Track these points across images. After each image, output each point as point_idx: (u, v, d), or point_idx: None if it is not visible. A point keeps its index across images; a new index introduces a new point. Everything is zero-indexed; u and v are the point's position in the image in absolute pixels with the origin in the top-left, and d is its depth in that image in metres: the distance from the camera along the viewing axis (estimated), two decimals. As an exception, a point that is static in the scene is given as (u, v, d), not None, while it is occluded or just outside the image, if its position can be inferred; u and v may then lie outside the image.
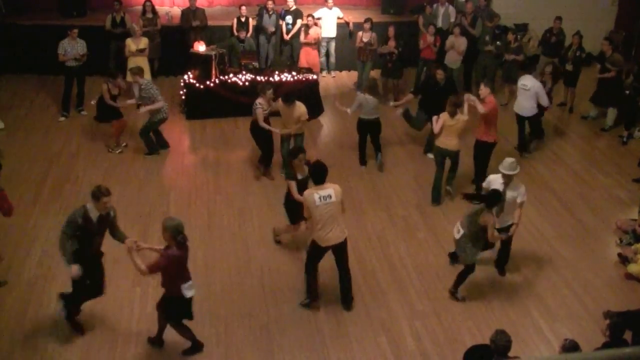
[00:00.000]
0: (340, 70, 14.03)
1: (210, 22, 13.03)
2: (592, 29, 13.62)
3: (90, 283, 6.46)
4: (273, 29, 12.98)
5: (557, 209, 9.32)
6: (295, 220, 7.78)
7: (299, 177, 7.49)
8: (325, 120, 11.81)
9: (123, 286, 7.31)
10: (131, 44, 11.56)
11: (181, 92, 11.60)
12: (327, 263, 7.22)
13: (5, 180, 9.20)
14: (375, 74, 12.45)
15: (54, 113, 11.59)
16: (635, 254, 8.05)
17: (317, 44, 12.85)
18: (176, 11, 13.52)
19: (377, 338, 6.87)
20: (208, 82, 11.28)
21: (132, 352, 6.60)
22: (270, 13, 12.91)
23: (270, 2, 12.83)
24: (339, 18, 13.43)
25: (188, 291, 6.09)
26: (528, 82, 10.13)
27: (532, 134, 10.77)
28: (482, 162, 9.29)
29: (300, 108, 9.23)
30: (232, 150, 10.60)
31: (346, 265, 7.09)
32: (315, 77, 11.91)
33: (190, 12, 12.81)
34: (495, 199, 6.93)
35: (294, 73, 11.68)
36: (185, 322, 6.44)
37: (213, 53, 11.34)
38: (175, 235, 5.86)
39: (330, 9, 13.17)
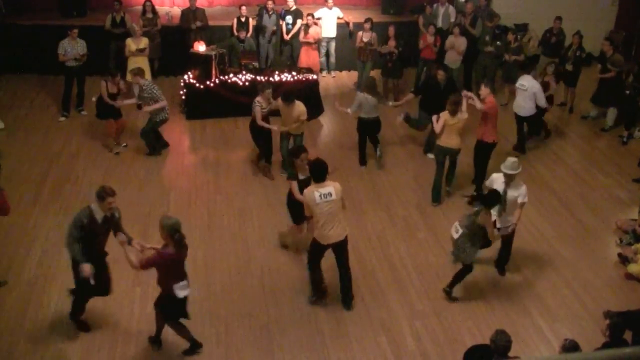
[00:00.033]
0: (341, 70, 14.03)
1: (210, 22, 13.03)
2: (592, 29, 13.61)
3: (97, 283, 6.48)
4: (274, 28, 12.98)
5: (557, 209, 9.33)
6: (298, 221, 7.77)
7: (301, 177, 7.47)
8: (325, 120, 11.81)
9: (123, 286, 7.30)
10: (131, 44, 11.56)
11: (181, 92, 11.61)
12: (327, 262, 7.22)
13: (5, 180, 9.21)
14: (375, 74, 12.45)
15: (54, 113, 11.59)
16: (635, 254, 8.05)
17: (317, 43, 12.85)
18: (176, 11, 13.52)
19: (377, 338, 6.87)
20: (208, 82, 11.28)
21: (133, 351, 6.60)
22: (270, 13, 12.91)
23: (270, 2, 12.83)
24: (339, 18, 13.43)
25: (180, 291, 6.06)
26: (526, 82, 10.13)
27: (529, 132, 10.76)
28: (482, 162, 9.30)
29: (299, 107, 9.25)
30: (232, 150, 10.60)
31: (346, 263, 7.09)
32: (315, 77, 11.91)
33: (190, 12, 12.81)
34: (493, 199, 6.92)
35: (294, 73, 11.68)
36: (185, 322, 6.44)
37: (213, 53, 11.34)
38: (172, 233, 5.87)
39: (330, 9, 13.17)
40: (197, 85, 11.29)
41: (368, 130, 9.98)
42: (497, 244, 7.81)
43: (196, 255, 7.98)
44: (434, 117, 9.02)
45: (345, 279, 7.18)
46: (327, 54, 13.61)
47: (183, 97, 11.60)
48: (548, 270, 8.03)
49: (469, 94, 9.17)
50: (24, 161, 9.98)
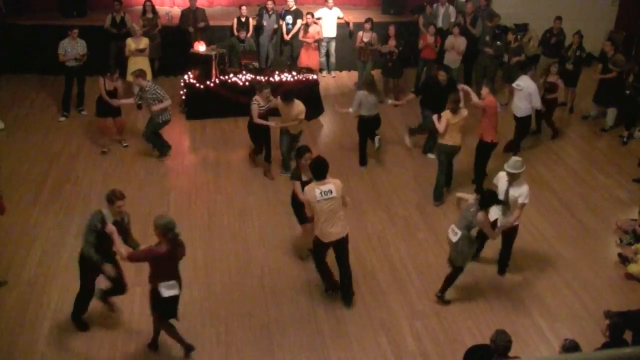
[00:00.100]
0: (341, 70, 14.03)
1: (210, 22, 13.03)
2: (592, 29, 13.61)
3: (113, 283, 6.63)
4: (275, 26, 12.98)
5: (557, 209, 9.33)
6: (304, 220, 7.76)
7: (304, 178, 7.39)
8: (325, 120, 11.81)
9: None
10: (131, 44, 11.56)
11: (181, 92, 11.60)
12: (327, 260, 7.22)
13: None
14: (375, 73, 12.45)
15: (54, 113, 11.59)
16: (635, 254, 8.05)
17: (317, 43, 12.84)
18: (176, 11, 13.52)
19: (377, 338, 6.87)
20: (208, 82, 11.28)
21: (133, 351, 6.60)
22: (270, 13, 12.91)
23: (270, 2, 12.83)
24: (339, 18, 13.42)
25: (165, 290, 6.04)
26: (522, 83, 10.12)
27: (516, 133, 10.65)
28: (481, 162, 9.31)
29: (298, 106, 9.29)
30: (232, 150, 10.60)
31: (347, 262, 7.11)
32: (315, 77, 11.91)
33: (190, 12, 12.81)
34: (488, 199, 6.89)
35: (294, 73, 11.68)
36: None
37: (213, 53, 11.34)
38: (165, 232, 5.88)
39: (331, 9, 13.17)
40: (197, 85, 11.29)
41: (369, 128, 9.99)
42: (497, 244, 7.82)
43: (196, 255, 7.98)
44: (435, 117, 9.03)
45: (345, 277, 7.20)
46: (327, 54, 13.60)
47: (183, 97, 11.60)
48: (548, 270, 8.03)
49: (466, 87, 9.26)
50: (24, 161, 9.98)
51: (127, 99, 10.27)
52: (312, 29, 12.60)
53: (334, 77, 13.82)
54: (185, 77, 11.44)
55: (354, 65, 13.33)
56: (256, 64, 11.99)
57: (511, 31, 12.63)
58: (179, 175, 9.94)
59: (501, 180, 7.47)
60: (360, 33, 12.47)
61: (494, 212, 7.30)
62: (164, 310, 6.25)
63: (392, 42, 12.26)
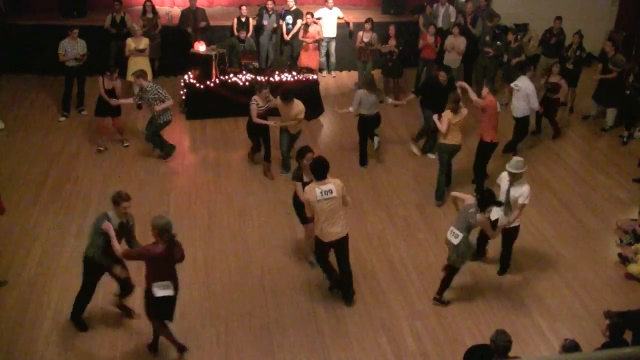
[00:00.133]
0: (341, 70, 14.02)
1: (210, 22, 13.02)
2: (592, 29, 13.61)
3: (121, 284, 6.69)
4: (275, 25, 12.97)
5: (557, 209, 9.33)
6: (305, 220, 7.75)
7: (306, 179, 7.36)
8: (325, 120, 11.81)
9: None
10: (131, 44, 11.55)
11: (181, 92, 11.60)
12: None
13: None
14: (375, 73, 12.45)
15: (54, 113, 11.59)
16: (635, 254, 8.05)
17: (317, 43, 12.84)
18: (176, 11, 13.51)
19: (377, 338, 6.87)
20: (208, 82, 11.28)
21: (133, 350, 6.60)
22: (270, 13, 12.90)
23: (270, 2, 12.83)
24: (339, 18, 13.42)
25: (159, 290, 6.04)
26: (520, 83, 10.11)
27: (515, 134, 10.65)
28: (480, 162, 9.31)
29: (298, 106, 9.31)
30: (232, 150, 10.60)
31: (347, 261, 7.12)
32: (315, 77, 11.91)
33: (190, 12, 12.80)
34: (486, 200, 6.89)
35: (294, 73, 11.68)
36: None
37: (213, 53, 11.34)
38: (162, 233, 5.89)
39: (331, 9, 13.17)
40: (197, 85, 11.29)
41: (369, 127, 10.00)
42: (498, 245, 7.82)
43: (196, 255, 7.98)
44: (435, 117, 9.03)
45: (345, 276, 7.21)
46: (327, 54, 13.60)
47: (183, 97, 11.60)
48: (548, 270, 8.03)
49: (464, 84, 9.29)
50: (24, 161, 9.98)
51: (126, 99, 10.24)
52: (312, 29, 12.60)
53: (334, 77, 13.81)
54: (185, 77, 11.44)
55: (354, 65, 13.32)
56: (256, 64, 11.99)
57: (511, 31, 12.62)
58: (179, 175, 9.94)
59: (503, 180, 7.49)
60: (361, 33, 12.47)
61: (495, 212, 7.30)
62: (157, 311, 6.24)
63: (392, 42, 12.26)
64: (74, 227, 8.43)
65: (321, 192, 6.68)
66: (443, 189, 9.19)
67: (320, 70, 13.46)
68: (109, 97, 9.94)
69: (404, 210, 9.13)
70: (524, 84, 10.04)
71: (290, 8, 13.00)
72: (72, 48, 11.02)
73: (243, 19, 12.72)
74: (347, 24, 13.64)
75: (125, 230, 6.45)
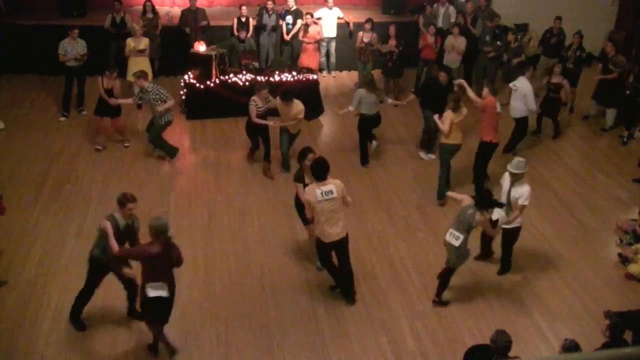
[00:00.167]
0: (341, 70, 14.02)
1: (210, 22, 13.02)
2: (592, 29, 13.61)
3: (125, 284, 6.73)
4: (274, 23, 12.96)
5: (557, 209, 9.33)
6: (307, 222, 7.74)
7: (307, 181, 7.32)
8: (326, 120, 11.81)
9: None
10: (132, 44, 11.55)
11: (181, 92, 11.60)
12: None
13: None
14: (376, 74, 12.45)
15: (54, 113, 11.59)
16: (635, 254, 8.04)
17: (317, 43, 12.84)
18: (176, 11, 13.51)
19: (377, 338, 6.87)
20: (208, 82, 11.28)
21: (133, 350, 6.60)
22: (270, 13, 12.90)
23: (270, 2, 12.83)
24: (339, 18, 13.42)
25: (152, 290, 6.02)
26: (518, 83, 10.10)
27: (513, 134, 10.61)
28: (479, 163, 9.30)
29: (297, 106, 9.33)
30: (232, 150, 10.60)
31: (348, 261, 7.13)
32: (315, 77, 11.91)
33: (190, 12, 12.80)
34: (483, 199, 6.88)
35: (294, 73, 11.68)
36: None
37: (213, 53, 11.34)
38: (157, 234, 5.89)
39: (331, 9, 13.17)
40: (197, 85, 11.29)
41: (370, 127, 10.00)
42: (498, 245, 7.82)
43: (196, 255, 7.99)
44: (436, 117, 9.03)
45: (347, 276, 7.24)
46: (328, 54, 13.60)
47: (183, 97, 11.60)
48: (548, 270, 8.03)
49: (462, 82, 9.35)
50: (24, 161, 9.97)
51: (125, 99, 10.21)
52: (312, 30, 12.60)
53: (334, 77, 13.81)
54: (186, 77, 11.44)
55: (354, 65, 13.32)
56: (256, 64, 11.99)
57: (511, 31, 12.62)
58: (179, 175, 9.94)
59: (505, 180, 7.51)
60: (361, 33, 12.47)
61: (497, 212, 7.32)
62: (148, 311, 6.23)
63: (392, 42, 12.25)
64: (74, 227, 8.43)
65: (321, 193, 6.69)
66: (444, 188, 9.19)
67: (320, 70, 13.47)
68: (107, 97, 9.93)
69: (404, 210, 9.13)
70: (521, 84, 10.03)
71: (290, 8, 13.00)
72: (72, 48, 11.02)
73: (243, 19, 12.72)
74: (347, 24, 13.63)
75: (130, 232, 6.44)
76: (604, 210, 9.32)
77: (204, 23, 12.71)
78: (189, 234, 8.39)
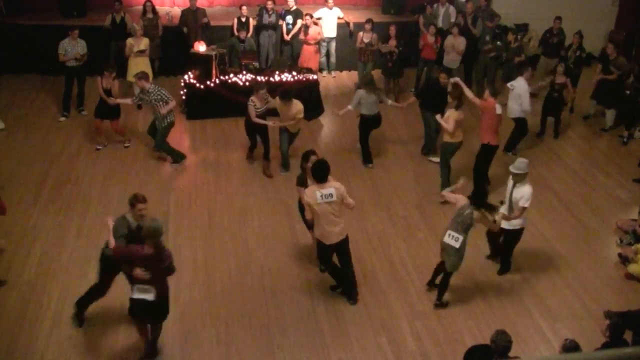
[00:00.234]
0: (341, 70, 14.02)
1: (210, 22, 13.02)
2: (592, 29, 13.61)
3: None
4: (274, 21, 12.96)
5: (557, 209, 9.33)
6: (312, 226, 7.71)
7: (310, 184, 7.30)
8: (326, 120, 11.81)
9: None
10: (132, 44, 11.54)
11: (181, 92, 11.59)
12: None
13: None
14: (376, 74, 12.45)
15: (54, 113, 11.58)
16: (635, 254, 8.05)
17: (317, 43, 12.84)
18: (176, 11, 13.50)
19: (377, 338, 6.87)
20: (208, 82, 11.28)
21: (133, 350, 6.59)
22: (270, 13, 12.90)
23: (270, 2, 12.83)
24: (339, 18, 13.42)
25: (137, 292, 6.00)
26: (515, 83, 10.09)
27: (512, 134, 10.59)
28: (478, 164, 9.28)
29: (297, 105, 9.34)
30: (232, 150, 10.60)
31: (349, 261, 7.14)
32: (315, 77, 11.91)
33: (190, 12, 12.80)
34: (478, 198, 6.87)
35: (294, 73, 11.68)
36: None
37: (213, 53, 11.34)
38: (149, 237, 5.87)
39: (331, 9, 13.17)
40: (198, 85, 11.29)
41: (370, 127, 9.99)
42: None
43: (196, 255, 7.99)
44: (438, 117, 9.03)
45: (348, 277, 7.24)
46: (328, 54, 13.60)
47: (183, 97, 11.59)
48: (548, 270, 8.03)
49: (458, 80, 9.36)
50: (24, 161, 9.97)
51: (124, 99, 10.20)
52: (312, 30, 12.59)
53: (334, 77, 13.81)
54: (186, 77, 11.44)
55: (354, 65, 13.32)
56: (256, 64, 11.98)
57: (511, 31, 12.61)
58: (179, 175, 9.94)
59: (510, 180, 7.51)
60: (361, 34, 12.46)
61: (502, 209, 7.37)
62: (133, 310, 6.22)
63: (392, 42, 12.25)
64: (74, 227, 8.43)
65: (321, 196, 6.69)
66: (447, 184, 9.18)
67: (320, 70, 13.47)
68: (106, 97, 9.93)
69: (404, 210, 9.13)
70: (518, 84, 10.01)
71: (290, 8, 13.00)
72: (72, 48, 11.01)
73: (243, 19, 12.72)
74: (347, 24, 13.63)
75: (140, 233, 6.42)
76: (604, 210, 9.32)
77: (204, 20, 12.70)
78: (189, 234, 8.40)
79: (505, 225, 7.45)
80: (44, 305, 7.12)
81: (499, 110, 9.01)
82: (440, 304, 7.29)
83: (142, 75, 9.64)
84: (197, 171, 10.04)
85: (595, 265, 8.15)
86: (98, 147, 10.33)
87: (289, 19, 12.99)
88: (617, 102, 11.40)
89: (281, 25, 13.07)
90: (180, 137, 11.01)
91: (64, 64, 11.10)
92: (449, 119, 8.80)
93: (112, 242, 6.12)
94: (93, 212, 8.75)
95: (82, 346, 6.63)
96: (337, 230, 6.83)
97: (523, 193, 7.32)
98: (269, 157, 9.86)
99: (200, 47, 11.50)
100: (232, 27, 12.82)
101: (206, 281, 7.59)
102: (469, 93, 9.22)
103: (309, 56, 12.67)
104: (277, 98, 9.40)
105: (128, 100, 10.10)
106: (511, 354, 5.45)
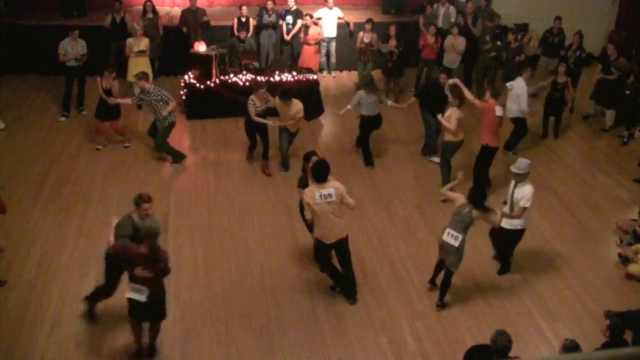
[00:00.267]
0: (341, 70, 14.02)
1: (210, 22, 13.02)
2: (592, 29, 13.61)
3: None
4: (274, 21, 12.96)
5: (557, 209, 9.33)
6: (313, 228, 7.69)
7: (310, 184, 7.36)
8: (326, 120, 11.81)
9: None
10: (132, 44, 11.54)
11: (181, 92, 11.59)
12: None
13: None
14: (376, 74, 12.46)
15: (54, 113, 11.58)
16: (635, 254, 8.04)
17: (317, 43, 12.84)
18: (176, 11, 13.50)
19: (377, 338, 6.87)
20: (208, 82, 11.28)
21: (133, 350, 6.59)
22: (270, 13, 12.90)
23: (270, 2, 12.83)
24: (339, 18, 13.42)
25: (130, 291, 6.00)
26: (514, 83, 10.09)
27: (512, 133, 10.59)
28: (477, 165, 9.28)
29: (297, 105, 9.35)
30: (232, 150, 10.60)
31: (349, 261, 7.14)
32: (315, 77, 11.91)
33: (190, 12, 12.80)
34: (476, 198, 6.88)
35: (294, 73, 11.68)
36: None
37: (213, 53, 11.34)
38: (147, 237, 5.86)
39: (331, 9, 13.16)
40: (198, 85, 11.29)
41: (371, 128, 9.99)
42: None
43: (196, 255, 7.99)
44: (439, 116, 9.03)
45: (348, 277, 7.24)
46: (328, 54, 13.60)
47: (183, 97, 11.59)
48: (548, 270, 8.03)
49: (455, 80, 9.36)
50: (24, 161, 9.97)
51: (124, 99, 10.19)
52: (313, 31, 12.59)
53: (334, 77, 13.81)
54: (186, 77, 11.44)
55: (354, 65, 13.31)
56: (256, 64, 11.99)
57: (511, 31, 12.60)
58: (179, 175, 9.94)
59: (512, 181, 7.52)
60: (361, 34, 12.46)
61: (505, 208, 7.38)
62: (130, 309, 6.22)
63: (392, 42, 12.24)
64: (74, 227, 8.43)
65: (320, 196, 6.69)
66: (448, 183, 9.17)
67: (321, 70, 13.47)
68: (106, 97, 9.92)
69: (404, 210, 9.13)
70: (517, 84, 10.01)
71: (291, 8, 13.00)
72: (73, 48, 11.01)
73: (243, 19, 12.72)
74: (347, 24, 13.63)
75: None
76: (604, 210, 9.32)
77: (205, 19, 12.70)
78: (189, 234, 8.40)
79: (506, 225, 7.45)
80: (44, 305, 7.12)
81: (499, 111, 8.97)
82: (442, 305, 7.28)
83: (142, 76, 9.63)
84: (197, 171, 10.04)
85: (595, 265, 8.15)
86: (98, 147, 10.33)
87: (289, 19, 12.99)
88: (617, 102, 11.41)
89: (281, 25, 13.07)
90: (180, 137, 11.00)
91: (64, 64, 11.10)
92: (450, 117, 8.80)
93: (112, 240, 6.12)
94: (93, 212, 8.75)
95: (82, 346, 6.63)
96: (336, 229, 6.84)
97: (524, 193, 7.32)
98: (268, 156, 9.87)
99: (200, 47, 11.50)
100: (232, 27, 12.82)
101: (206, 281, 7.59)
102: (468, 94, 9.21)
103: (309, 56, 12.67)
104: (277, 98, 9.41)
105: (128, 100, 10.09)
106: (511, 354, 5.45)
